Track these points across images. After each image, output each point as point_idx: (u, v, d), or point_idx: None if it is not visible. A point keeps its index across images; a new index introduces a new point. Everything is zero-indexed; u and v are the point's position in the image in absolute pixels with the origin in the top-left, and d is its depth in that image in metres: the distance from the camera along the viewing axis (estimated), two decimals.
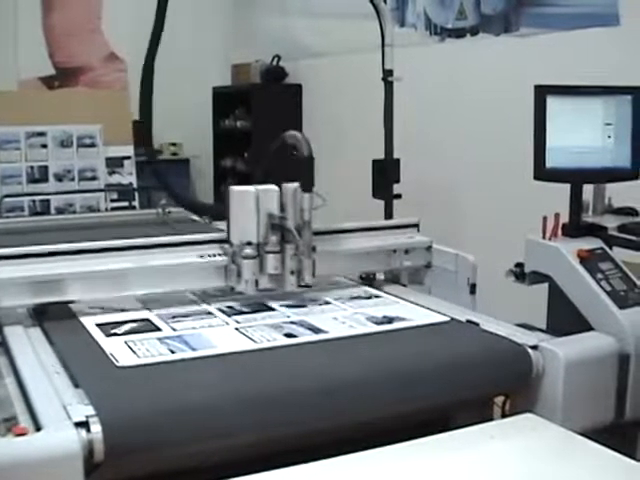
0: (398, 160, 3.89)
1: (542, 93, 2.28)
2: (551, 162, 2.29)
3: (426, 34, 4.92)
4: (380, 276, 2.71)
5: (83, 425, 1.47)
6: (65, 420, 1.48)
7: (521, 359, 1.96)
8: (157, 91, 7.52)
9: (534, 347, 1.98)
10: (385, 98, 3.82)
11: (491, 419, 2.05)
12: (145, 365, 1.79)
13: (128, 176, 6.65)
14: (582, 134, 2.34)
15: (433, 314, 2.25)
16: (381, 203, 3.93)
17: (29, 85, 7.23)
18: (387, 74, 3.78)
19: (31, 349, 1.95)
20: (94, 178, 6.40)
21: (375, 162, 3.90)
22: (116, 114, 6.62)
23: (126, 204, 6.31)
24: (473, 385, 1.94)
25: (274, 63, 6.70)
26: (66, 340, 1.98)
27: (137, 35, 7.35)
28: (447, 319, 2.20)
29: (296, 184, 2.33)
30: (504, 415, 2.10)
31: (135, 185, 6.71)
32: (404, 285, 2.66)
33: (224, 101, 7.12)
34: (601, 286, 2.19)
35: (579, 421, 1.90)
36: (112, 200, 6.42)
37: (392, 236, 2.65)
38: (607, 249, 2.34)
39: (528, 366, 1.95)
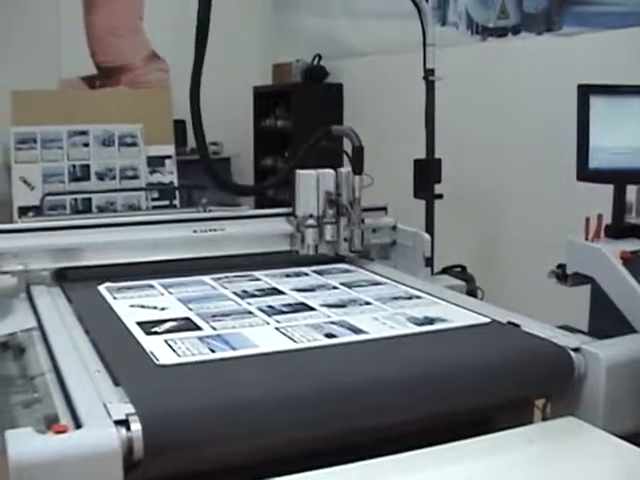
0: (440, 160, 3.87)
1: (585, 93, 2.25)
2: (594, 163, 2.27)
3: (467, 33, 4.88)
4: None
5: (123, 423, 1.47)
6: (105, 418, 1.49)
7: (563, 361, 1.93)
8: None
9: (576, 349, 1.95)
10: (427, 98, 3.81)
11: (531, 422, 2.03)
12: (185, 364, 1.79)
13: (169, 175, 6.68)
14: (626, 134, 2.31)
15: (474, 315, 2.23)
16: (420, 202, 3.93)
17: (71, 84, 7.29)
18: (429, 73, 3.76)
19: (70, 342, 1.97)
20: (135, 177, 6.45)
21: (417, 162, 3.89)
22: (157, 113, 6.66)
23: (167, 203, 6.35)
24: (514, 387, 1.92)
25: (315, 62, 6.69)
26: (106, 338, 1.99)
27: (178, 35, 7.44)
28: (488, 320, 2.18)
29: (348, 168, 2.85)
30: (544, 418, 2.08)
31: (176, 184, 6.74)
32: (372, 259, 3.02)
33: (265, 100, 7.14)
34: None
35: (621, 424, 1.87)
36: (153, 199, 6.46)
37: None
38: None
39: (570, 369, 1.92)
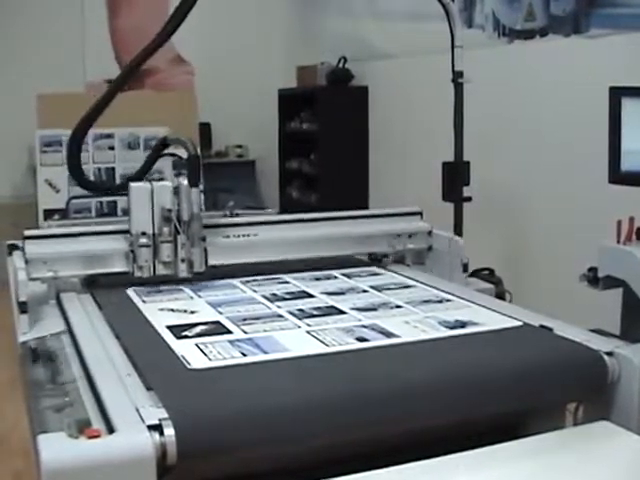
0: (468, 163, 3.85)
1: (617, 95, 2.24)
2: (626, 165, 2.25)
3: (494, 35, 4.85)
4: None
5: (156, 428, 1.47)
6: (138, 423, 1.48)
7: (596, 365, 1.91)
8: (222, 94, 7.62)
9: (609, 353, 1.93)
10: (455, 100, 3.79)
11: (563, 426, 2.01)
12: (217, 368, 1.78)
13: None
14: None
15: (506, 319, 2.21)
16: (449, 205, 3.91)
17: (96, 87, 7.30)
18: (457, 76, 3.74)
19: (101, 346, 1.97)
20: (161, 180, 6.45)
21: (445, 165, 3.88)
22: (183, 116, 6.67)
23: None
24: (548, 392, 1.90)
25: (340, 65, 6.68)
26: (137, 342, 1.99)
27: (203, 38, 7.47)
28: (520, 324, 2.16)
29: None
30: (575, 423, 2.06)
31: (201, 187, 6.73)
32: (407, 265, 2.94)
33: (290, 103, 7.13)
34: None
35: None
36: None
37: (397, 222, 2.98)
38: None
39: (603, 373, 1.90)
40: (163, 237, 2.54)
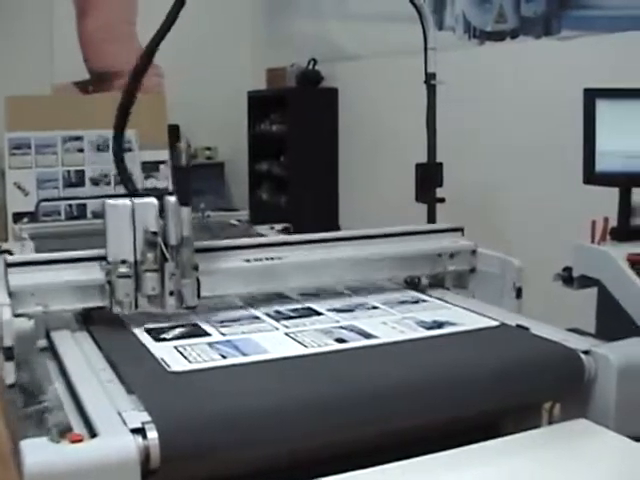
0: (441, 164, 3.87)
1: (591, 96, 2.26)
2: (601, 166, 2.28)
3: (465, 37, 4.89)
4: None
5: (139, 432, 1.46)
6: (121, 427, 1.47)
7: (573, 364, 1.93)
8: (191, 96, 7.60)
9: (586, 352, 1.95)
10: (428, 101, 3.81)
11: (538, 425, 2.03)
12: (197, 370, 1.78)
13: (164, 180, 6.68)
14: (631, 137, 2.32)
15: (483, 319, 2.23)
16: (421, 206, 3.93)
17: (63, 90, 7.29)
18: (430, 77, 3.76)
19: (80, 353, 1.95)
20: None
21: (418, 166, 3.89)
22: (152, 118, 6.64)
23: None
24: (525, 390, 1.91)
25: (310, 67, 6.69)
26: (115, 345, 1.98)
27: (171, 40, 7.43)
28: (497, 324, 2.18)
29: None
30: (551, 421, 2.08)
31: (170, 189, 6.73)
32: (447, 289, 2.61)
33: (259, 105, 7.14)
34: None
35: (631, 426, 1.86)
36: None
37: (435, 240, 2.63)
38: None
39: (580, 371, 1.92)
40: (147, 265, 2.11)
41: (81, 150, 6.41)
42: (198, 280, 2.18)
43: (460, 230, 2.67)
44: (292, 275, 2.39)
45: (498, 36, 4.61)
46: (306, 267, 2.39)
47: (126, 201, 2.12)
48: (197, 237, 3.65)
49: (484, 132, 4.83)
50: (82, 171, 6.37)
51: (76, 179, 6.35)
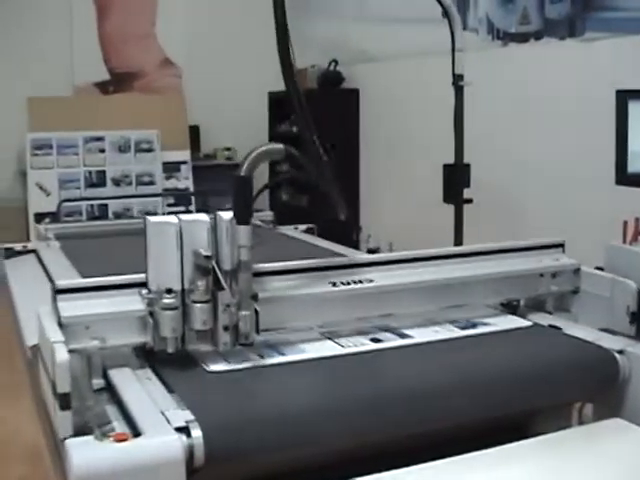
0: (468, 165, 3.88)
1: (624, 98, 2.26)
2: (633, 167, 2.28)
3: (488, 38, 4.89)
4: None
5: (183, 430, 1.47)
6: (165, 425, 1.48)
7: (608, 364, 1.94)
8: (211, 96, 7.62)
9: (620, 352, 1.96)
10: (455, 103, 3.82)
11: (569, 425, 2.03)
12: (236, 370, 1.79)
13: (184, 180, 6.71)
14: None
15: (515, 318, 2.23)
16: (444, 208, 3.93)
17: (84, 90, 7.32)
18: (457, 79, 3.77)
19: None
20: (151, 183, 6.48)
21: (446, 167, 3.90)
22: (172, 119, 6.69)
23: (183, 209, 6.37)
24: (560, 391, 1.92)
25: (331, 68, 6.70)
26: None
27: (191, 41, 7.48)
28: (529, 324, 2.18)
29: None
30: (581, 422, 2.09)
31: (191, 189, 6.76)
32: (550, 313, 2.34)
33: (280, 106, 7.14)
34: None
35: None
36: (169, 204, 6.49)
37: (536, 258, 2.34)
38: None
39: (615, 371, 1.93)
40: (197, 295, 1.77)
41: (102, 150, 6.45)
42: (257, 311, 1.84)
43: (561, 246, 2.40)
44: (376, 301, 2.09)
45: (522, 37, 4.61)
46: (391, 292, 2.10)
47: (172, 219, 1.81)
48: None
49: (508, 133, 4.83)
50: (103, 171, 6.41)
51: (97, 179, 6.39)
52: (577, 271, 2.31)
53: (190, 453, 1.45)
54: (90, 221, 5.84)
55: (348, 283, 2.04)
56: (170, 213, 5.64)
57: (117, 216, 6.26)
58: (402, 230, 4.93)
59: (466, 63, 4.00)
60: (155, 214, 6.05)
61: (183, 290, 1.78)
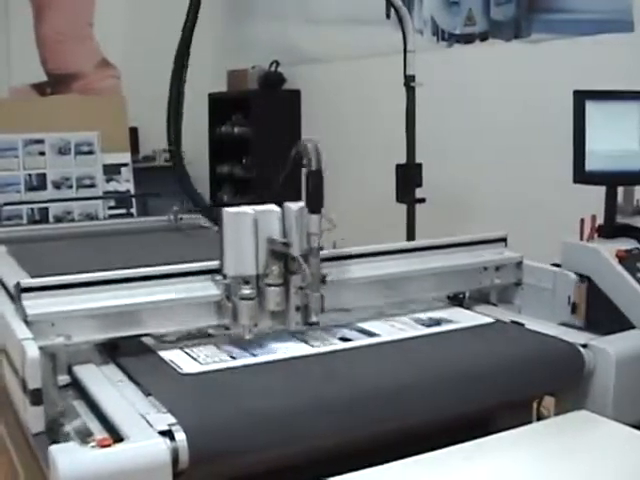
0: (420, 164, 3.91)
1: (581, 98, 2.31)
2: (590, 165, 2.33)
3: (433, 40, 4.94)
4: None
5: (166, 434, 1.47)
6: (148, 429, 1.48)
7: (573, 358, 1.99)
8: (150, 98, 7.53)
9: (584, 345, 2.01)
10: (407, 103, 3.85)
11: (530, 420, 2.08)
12: (211, 372, 1.79)
13: (125, 183, 6.63)
14: (619, 137, 2.37)
15: (477, 315, 2.27)
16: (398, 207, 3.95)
17: (20, 92, 7.20)
18: (409, 80, 3.80)
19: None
20: (92, 185, 6.40)
21: (398, 167, 3.92)
22: (112, 121, 6.60)
23: (124, 211, 6.30)
24: (527, 386, 1.96)
25: (272, 69, 6.70)
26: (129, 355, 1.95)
27: (129, 42, 7.40)
28: (492, 320, 2.23)
29: (301, 203, 2.00)
30: (539, 417, 2.13)
31: (132, 192, 6.69)
32: (494, 304, 2.45)
33: (221, 107, 7.12)
34: None
35: (628, 417, 1.92)
36: (110, 207, 6.41)
37: (480, 252, 2.44)
38: None
39: (580, 364, 1.98)
40: (272, 279, 1.95)
41: (42, 153, 6.34)
42: (322, 295, 1.99)
43: (502, 240, 2.50)
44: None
45: (467, 39, 4.66)
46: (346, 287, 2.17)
47: (247, 209, 1.96)
48: (168, 239, 3.66)
49: (451, 133, 4.88)
50: (44, 174, 6.30)
51: (38, 183, 6.29)
52: (519, 264, 2.43)
53: (175, 456, 1.45)
54: (32, 225, 5.74)
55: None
56: (112, 216, 5.55)
57: (58, 219, 6.16)
58: (353, 230, 4.93)
59: (411, 64, 4.04)
60: (96, 218, 6.02)
61: (257, 276, 1.94)
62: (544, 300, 2.35)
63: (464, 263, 2.36)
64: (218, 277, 1.96)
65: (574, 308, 2.27)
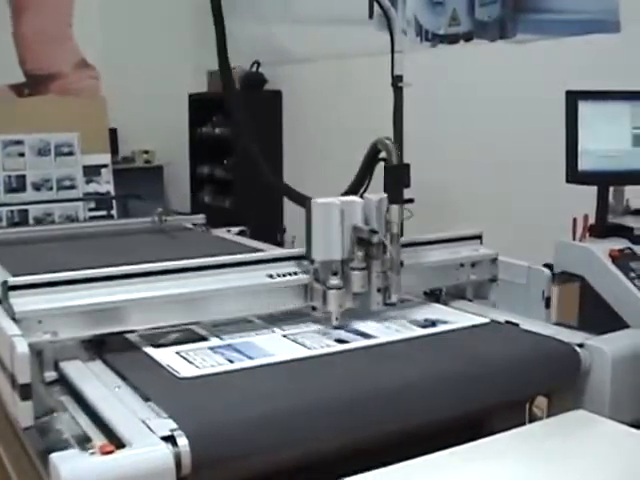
0: (408, 165, 3.90)
1: (573, 98, 2.32)
2: (583, 165, 2.34)
3: (417, 40, 4.93)
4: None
5: (169, 439, 1.45)
6: (150, 435, 1.46)
7: (569, 358, 1.99)
8: (129, 98, 7.50)
9: (580, 345, 2.01)
10: (395, 104, 3.84)
11: (524, 421, 2.08)
12: (208, 375, 1.78)
13: (105, 184, 6.60)
14: (611, 137, 2.38)
15: (472, 316, 2.27)
16: None
17: None
18: (397, 80, 3.79)
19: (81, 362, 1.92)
20: (72, 187, 6.36)
21: (387, 168, 3.90)
22: (92, 122, 6.57)
23: (104, 213, 6.28)
24: (525, 386, 1.96)
25: (253, 69, 6.68)
26: (115, 351, 1.95)
27: (108, 42, 7.36)
28: (487, 321, 2.22)
29: (381, 194, 2.22)
30: (532, 418, 2.13)
31: (112, 193, 6.66)
32: (470, 300, 2.50)
33: (201, 108, 7.09)
34: (635, 284, 2.24)
35: (624, 415, 1.92)
36: (90, 209, 6.38)
37: (455, 249, 2.50)
38: (634, 248, 2.39)
39: (576, 364, 1.98)
40: (356, 263, 2.13)
41: (22, 154, 6.30)
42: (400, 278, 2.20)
43: (479, 237, 2.56)
44: None
45: (451, 39, 4.66)
46: None
47: (334, 200, 2.15)
48: (153, 241, 3.64)
49: (435, 133, 4.88)
50: (23, 176, 6.26)
51: (17, 184, 6.25)
52: (494, 261, 2.47)
53: (178, 462, 1.44)
54: (11, 227, 5.71)
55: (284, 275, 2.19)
56: (92, 218, 5.52)
57: (38, 221, 6.13)
58: None
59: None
60: (77, 219, 5.98)
61: (342, 261, 2.12)
62: (519, 295, 2.40)
63: (442, 259, 2.43)
64: (305, 262, 2.17)
65: (547, 303, 2.33)
